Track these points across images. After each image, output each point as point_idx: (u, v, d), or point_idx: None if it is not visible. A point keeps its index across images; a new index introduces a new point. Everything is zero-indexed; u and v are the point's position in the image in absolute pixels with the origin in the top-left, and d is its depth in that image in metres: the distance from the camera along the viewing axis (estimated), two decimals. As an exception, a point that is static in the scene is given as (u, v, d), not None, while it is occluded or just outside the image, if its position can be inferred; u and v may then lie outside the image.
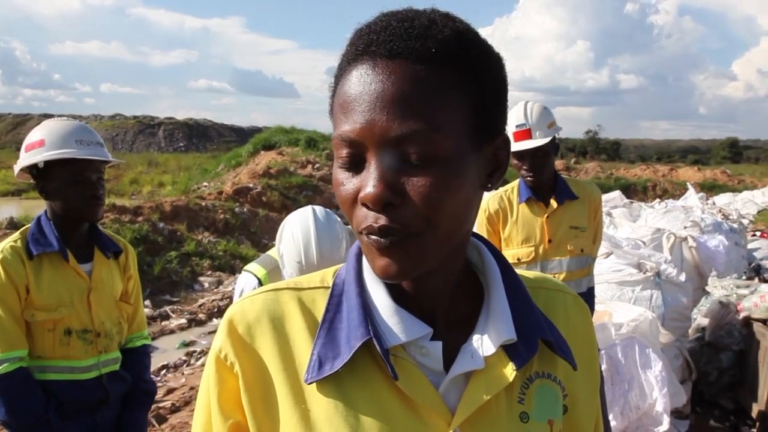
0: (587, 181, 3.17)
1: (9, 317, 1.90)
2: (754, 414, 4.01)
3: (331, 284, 0.75)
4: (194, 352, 6.13)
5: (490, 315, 0.72)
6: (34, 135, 2.01)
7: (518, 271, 0.79)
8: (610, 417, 3.32)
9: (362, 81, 0.63)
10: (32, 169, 2.00)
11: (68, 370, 1.99)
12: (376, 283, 0.72)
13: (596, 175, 26.37)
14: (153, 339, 6.04)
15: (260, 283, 2.15)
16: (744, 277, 5.48)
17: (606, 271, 4.25)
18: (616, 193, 9.98)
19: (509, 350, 0.70)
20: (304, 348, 0.70)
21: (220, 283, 9.23)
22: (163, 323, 7.18)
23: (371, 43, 0.64)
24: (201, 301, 8.16)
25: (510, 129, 2.73)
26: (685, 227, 6.26)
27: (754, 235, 9.49)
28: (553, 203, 2.83)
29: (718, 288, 4.88)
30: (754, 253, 7.45)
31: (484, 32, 0.69)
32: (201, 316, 7.43)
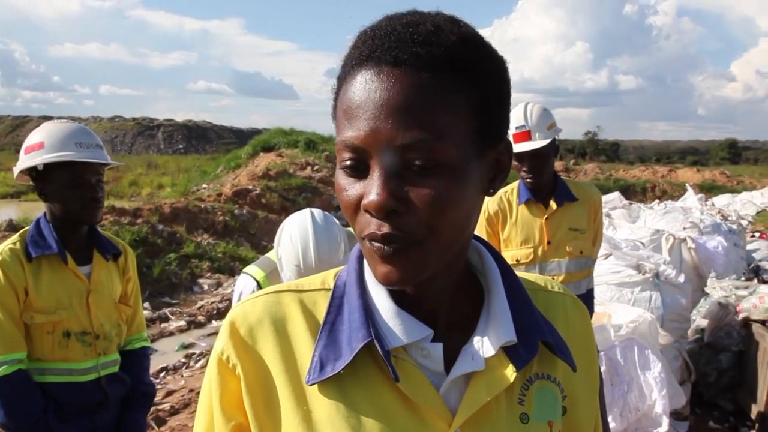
0: (587, 183, 3.18)
1: (8, 319, 1.89)
2: (753, 415, 4.01)
3: (332, 286, 0.75)
4: (193, 354, 6.12)
5: (491, 317, 0.72)
6: (34, 137, 2.02)
7: (518, 273, 0.80)
8: (610, 418, 3.32)
9: (367, 88, 0.63)
10: (31, 172, 2.00)
11: (67, 373, 1.99)
12: (377, 285, 0.72)
13: (595, 176, 26.39)
14: (152, 341, 6.04)
15: (259, 286, 2.15)
16: (743, 278, 5.47)
17: (605, 273, 4.25)
18: (615, 195, 9.99)
19: (509, 352, 0.71)
20: (305, 350, 0.71)
21: (219, 285, 9.22)
22: (163, 325, 7.17)
23: (376, 49, 0.64)
24: (200, 303, 8.15)
25: (510, 130, 2.73)
26: (684, 228, 6.27)
27: (753, 236, 9.49)
28: (553, 205, 2.83)
29: (717, 289, 4.88)
30: (753, 254, 7.45)
31: (483, 34, 0.69)
32: (200, 318, 7.43)
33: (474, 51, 0.66)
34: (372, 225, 0.64)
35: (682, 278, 4.31)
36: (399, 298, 0.71)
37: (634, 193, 23.16)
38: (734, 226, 7.31)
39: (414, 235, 0.63)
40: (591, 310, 3.03)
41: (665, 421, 3.40)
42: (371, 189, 0.62)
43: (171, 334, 6.90)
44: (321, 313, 0.73)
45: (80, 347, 2.00)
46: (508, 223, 2.88)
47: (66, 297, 1.98)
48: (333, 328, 0.71)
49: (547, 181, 2.83)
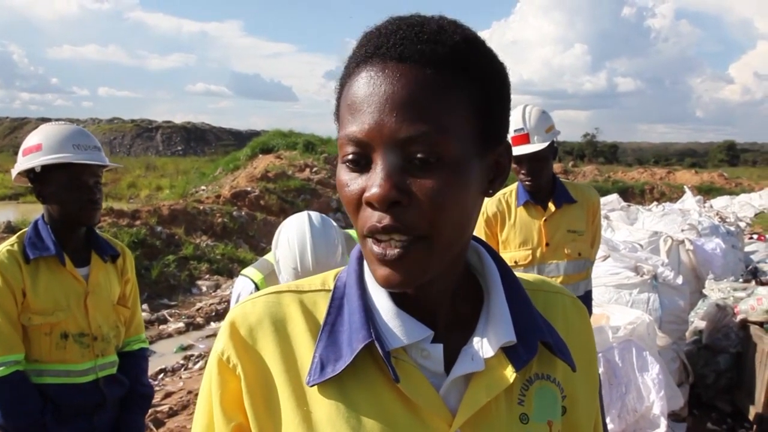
0: (586, 185, 3.18)
1: (5, 321, 1.89)
2: (751, 417, 4.01)
3: (332, 287, 0.75)
4: (192, 356, 6.12)
5: (490, 317, 0.72)
6: (32, 139, 2.02)
7: (517, 273, 0.80)
8: (608, 420, 3.33)
9: (372, 83, 0.64)
10: (29, 173, 2.00)
11: (65, 374, 1.99)
12: (377, 286, 0.72)
13: (594, 179, 26.42)
14: (151, 343, 6.03)
15: (257, 288, 2.15)
16: (741, 280, 5.48)
17: (603, 274, 4.26)
18: (614, 197, 10.01)
19: (509, 352, 0.71)
20: (305, 350, 0.71)
21: (218, 286, 9.22)
22: (161, 327, 7.17)
23: (381, 46, 0.65)
24: (199, 304, 8.15)
25: (508, 133, 2.73)
26: (682, 230, 6.28)
27: (751, 237, 9.50)
28: (551, 207, 2.83)
29: (715, 291, 4.89)
30: (751, 256, 7.47)
31: (482, 36, 0.70)
32: (199, 319, 7.42)
33: (477, 52, 0.67)
34: (374, 218, 0.64)
35: (680, 280, 4.32)
36: (399, 299, 0.71)
37: (632, 195, 23.18)
38: (732, 228, 7.33)
39: (416, 230, 0.63)
40: (589, 312, 3.03)
41: (663, 423, 3.40)
42: (374, 181, 0.63)
43: (169, 335, 6.90)
44: (321, 314, 0.73)
45: (78, 349, 2.00)
46: (507, 225, 2.88)
47: (64, 298, 1.98)
48: (333, 329, 0.71)
49: (545, 183, 2.83)
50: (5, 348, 1.89)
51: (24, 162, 1.99)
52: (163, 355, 6.22)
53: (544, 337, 0.73)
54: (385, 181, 0.62)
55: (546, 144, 2.72)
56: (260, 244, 11.59)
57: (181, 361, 5.95)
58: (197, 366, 5.84)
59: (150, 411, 4.23)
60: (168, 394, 5.11)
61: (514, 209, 2.88)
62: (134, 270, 2.27)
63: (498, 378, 0.70)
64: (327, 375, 0.68)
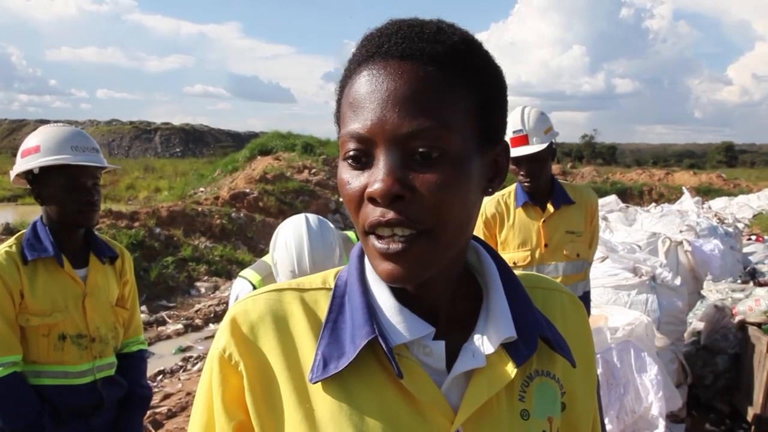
0: (584, 186, 3.19)
1: (3, 322, 1.89)
2: (749, 417, 4.01)
3: (332, 286, 0.76)
4: (191, 357, 6.11)
5: (490, 314, 0.73)
6: (30, 141, 2.02)
7: (516, 272, 0.80)
8: (606, 421, 3.33)
9: (374, 80, 0.65)
10: (28, 175, 2.00)
11: (63, 375, 1.99)
12: (379, 283, 0.73)
13: (592, 180, 26.43)
14: (149, 344, 6.03)
15: (255, 290, 2.15)
16: (739, 281, 5.48)
17: (602, 275, 4.26)
18: (612, 198, 10.02)
19: (509, 348, 0.71)
20: (307, 347, 0.71)
21: (216, 288, 9.21)
22: (160, 329, 7.16)
23: (382, 45, 0.66)
24: (197, 306, 8.14)
25: (507, 135, 2.74)
26: (680, 231, 6.28)
27: (750, 239, 9.51)
28: (550, 208, 2.84)
29: (714, 292, 4.89)
30: (750, 257, 7.47)
31: (480, 37, 0.73)
32: (197, 321, 7.41)
33: (476, 53, 0.69)
34: (376, 212, 0.64)
35: (678, 281, 4.32)
36: (401, 296, 0.72)
37: (630, 196, 23.20)
38: (731, 229, 7.33)
39: (420, 223, 0.64)
40: (588, 313, 3.04)
41: (661, 424, 3.40)
42: (376, 177, 0.63)
43: (168, 337, 6.89)
44: (322, 312, 0.73)
45: (76, 350, 1.99)
46: (506, 226, 2.89)
47: (62, 300, 1.98)
48: (335, 327, 0.71)
49: (544, 184, 2.84)
50: (3, 349, 1.89)
51: (22, 163, 1.99)
52: (161, 357, 6.22)
53: (543, 332, 0.74)
54: (388, 176, 0.63)
55: (545, 145, 2.72)
56: (259, 245, 11.58)
57: (180, 363, 5.95)
58: (196, 367, 5.84)
59: (148, 412, 4.23)
60: (167, 396, 5.11)
61: (512, 210, 2.89)
62: (133, 271, 2.27)
63: (499, 374, 0.70)
64: (330, 372, 0.68)
